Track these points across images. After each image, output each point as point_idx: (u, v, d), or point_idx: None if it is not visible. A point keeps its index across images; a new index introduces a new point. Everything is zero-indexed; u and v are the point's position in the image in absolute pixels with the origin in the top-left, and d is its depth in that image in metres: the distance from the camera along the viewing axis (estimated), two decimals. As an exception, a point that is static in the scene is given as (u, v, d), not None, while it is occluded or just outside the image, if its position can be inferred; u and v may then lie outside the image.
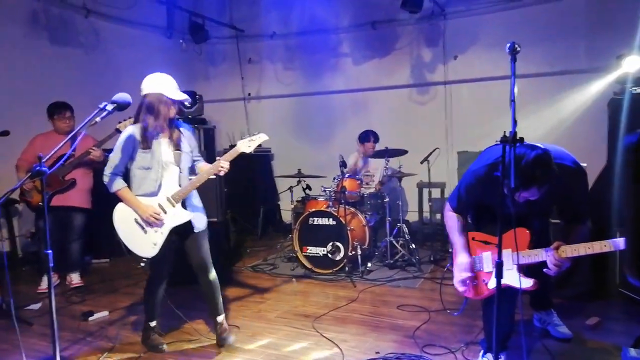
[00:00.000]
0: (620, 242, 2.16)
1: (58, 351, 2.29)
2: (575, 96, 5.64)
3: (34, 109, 4.53)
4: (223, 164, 2.96)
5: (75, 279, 4.61)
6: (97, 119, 2.42)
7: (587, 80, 5.52)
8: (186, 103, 3.07)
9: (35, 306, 4.06)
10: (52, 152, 2.41)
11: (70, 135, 2.55)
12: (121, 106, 2.50)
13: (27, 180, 2.50)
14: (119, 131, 3.95)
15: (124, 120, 3.89)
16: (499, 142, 1.94)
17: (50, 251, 2.31)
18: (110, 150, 3.05)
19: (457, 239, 2.66)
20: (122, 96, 2.51)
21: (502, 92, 5.66)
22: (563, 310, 3.32)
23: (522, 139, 1.90)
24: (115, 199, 2.98)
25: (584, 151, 4.16)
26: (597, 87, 5.38)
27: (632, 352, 2.20)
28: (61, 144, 2.48)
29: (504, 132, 1.90)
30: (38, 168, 2.26)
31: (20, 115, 4.90)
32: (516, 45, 1.94)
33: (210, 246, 3.16)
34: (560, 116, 5.72)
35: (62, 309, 3.95)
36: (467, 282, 2.56)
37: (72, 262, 4.60)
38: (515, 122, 1.89)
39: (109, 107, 2.45)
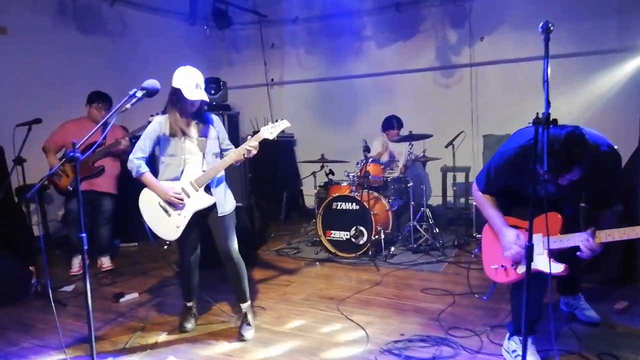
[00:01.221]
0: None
1: (93, 330, 2.38)
2: (606, 77, 5.48)
3: (63, 98, 4.64)
4: (252, 144, 2.98)
5: (106, 262, 4.76)
6: (128, 105, 2.47)
7: (619, 60, 5.35)
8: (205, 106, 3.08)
9: (69, 288, 4.21)
10: (85, 138, 2.48)
11: (100, 123, 2.61)
12: (150, 93, 2.53)
13: (61, 166, 2.58)
14: None
15: (157, 114, 3.97)
16: (531, 124, 1.89)
17: (84, 234, 2.39)
18: (137, 138, 3.13)
19: (494, 215, 2.59)
20: (151, 83, 2.54)
21: (530, 74, 5.65)
22: (591, 294, 3.28)
23: (555, 120, 1.84)
24: (141, 184, 3.07)
25: (615, 133, 4.04)
26: (630, 67, 5.22)
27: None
28: (92, 131, 2.55)
29: (537, 113, 1.85)
30: (72, 154, 2.33)
31: (50, 104, 5.02)
32: (550, 24, 1.89)
33: (235, 230, 3.19)
34: (591, 98, 5.57)
35: (94, 291, 4.07)
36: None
37: (102, 246, 4.75)
38: (548, 103, 1.84)
39: (139, 94, 2.49)
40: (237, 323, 3.26)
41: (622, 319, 3.14)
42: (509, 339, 2.73)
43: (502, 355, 2.72)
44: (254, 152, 3.01)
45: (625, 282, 3.66)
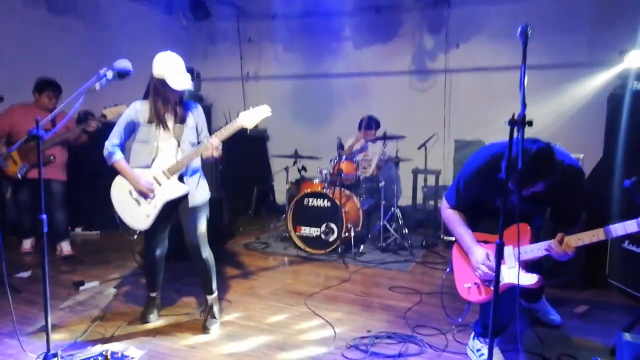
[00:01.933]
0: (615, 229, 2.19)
1: (49, 317, 2.28)
2: (575, 90, 5.62)
3: (30, 78, 4.48)
4: (212, 142, 2.86)
5: (65, 247, 4.61)
6: (97, 85, 2.39)
7: (589, 74, 5.49)
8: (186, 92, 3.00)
9: (25, 274, 4.04)
10: (47, 119, 2.40)
11: (55, 112, 2.55)
12: (121, 74, 2.45)
13: (23, 143, 2.48)
14: (104, 116, 3.96)
15: (110, 106, 3.95)
16: (506, 123, 1.90)
17: (44, 216, 2.30)
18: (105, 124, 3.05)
19: (463, 233, 2.57)
20: (123, 63, 2.46)
21: (502, 83, 5.76)
22: (553, 298, 3.35)
23: (531, 122, 1.87)
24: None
25: (581, 144, 4.19)
26: (598, 81, 5.36)
27: (627, 336, 2.22)
28: (49, 117, 2.48)
29: (513, 113, 1.87)
30: (35, 132, 2.24)
31: (16, 84, 4.78)
32: (528, 28, 1.92)
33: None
34: (560, 109, 5.70)
35: (52, 278, 3.91)
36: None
37: (59, 231, 4.58)
38: (524, 105, 1.86)
39: (109, 75, 2.42)
40: (202, 315, 3.19)
41: (583, 322, 3.23)
42: (473, 338, 2.76)
43: (466, 354, 2.75)
44: (217, 154, 2.88)
45: (585, 286, 3.77)
